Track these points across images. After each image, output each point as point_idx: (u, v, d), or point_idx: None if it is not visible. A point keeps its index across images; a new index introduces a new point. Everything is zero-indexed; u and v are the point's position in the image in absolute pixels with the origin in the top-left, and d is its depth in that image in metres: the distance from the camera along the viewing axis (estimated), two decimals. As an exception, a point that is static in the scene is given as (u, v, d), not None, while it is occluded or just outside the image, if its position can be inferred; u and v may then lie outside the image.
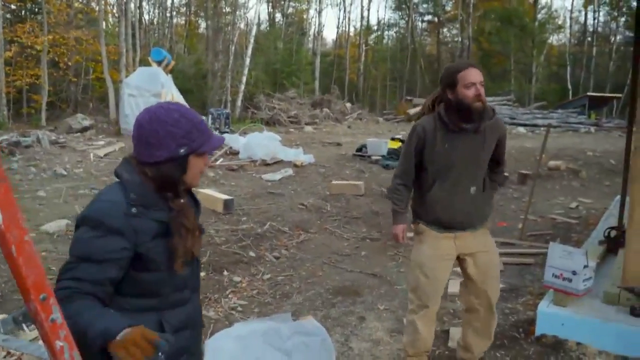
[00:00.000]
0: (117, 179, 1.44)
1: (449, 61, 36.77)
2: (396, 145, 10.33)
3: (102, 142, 11.62)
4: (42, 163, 8.87)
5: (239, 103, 20.62)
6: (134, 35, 20.50)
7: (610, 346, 2.86)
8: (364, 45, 35.89)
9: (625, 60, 27.82)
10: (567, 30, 35.58)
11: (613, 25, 33.76)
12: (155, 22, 30.68)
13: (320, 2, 33.97)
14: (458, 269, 2.81)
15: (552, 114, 20.15)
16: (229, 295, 4.02)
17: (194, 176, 1.45)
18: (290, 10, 34.73)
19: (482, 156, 2.52)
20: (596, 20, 34.83)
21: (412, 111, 20.76)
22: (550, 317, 3.05)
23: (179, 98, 13.53)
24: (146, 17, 29.74)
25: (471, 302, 2.72)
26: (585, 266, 2.95)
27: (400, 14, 38.72)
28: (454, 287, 3.85)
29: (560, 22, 34.73)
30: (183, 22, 32.34)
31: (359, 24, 38.33)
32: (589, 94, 23.25)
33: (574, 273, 2.95)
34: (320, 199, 7.23)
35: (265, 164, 9.73)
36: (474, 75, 2.37)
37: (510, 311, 3.61)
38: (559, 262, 3.01)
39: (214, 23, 22.93)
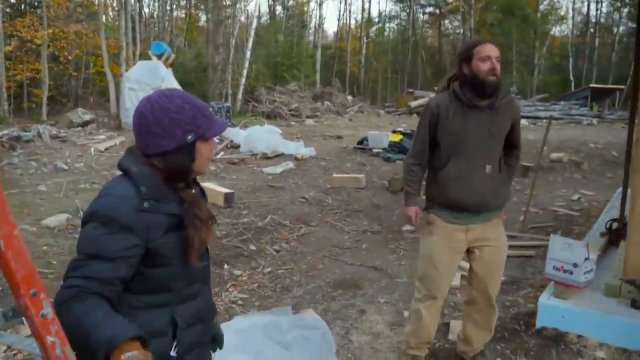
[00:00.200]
0: (120, 172, 1.38)
1: (451, 53, 36.64)
2: (397, 138, 10.29)
3: (102, 136, 11.61)
4: (42, 157, 8.86)
5: (239, 96, 20.57)
6: (134, 29, 20.44)
7: (611, 339, 2.85)
8: (365, 38, 35.76)
9: (628, 51, 27.68)
10: (570, 22, 35.42)
11: (616, 16, 33.56)
12: (155, 16, 30.58)
13: (321, -6, 33.84)
14: (460, 263, 2.79)
15: (554, 106, 20.06)
16: (230, 289, 4.02)
17: (202, 163, 1.40)
18: (291, 2, 34.56)
19: (497, 133, 2.46)
20: (599, 11, 34.68)
21: (413, 104, 20.69)
22: (551, 310, 3.04)
23: (179, 92, 13.46)
24: (146, 10, 29.67)
25: (472, 294, 2.71)
26: (586, 258, 2.93)
27: (401, 5, 38.56)
28: (455, 279, 3.84)
29: (562, 13, 34.57)
30: (183, 15, 32.24)
31: (360, 16, 38.19)
32: (591, 85, 23.11)
33: (575, 265, 2.93)
34: (321, 192, 7.22)
35: (266, 157, 9.71)
36: (490, 49, 2.36)
37: (511, 304, 3.60)
38: (559, 254, 2.99)
39: (214, 16, 22.81)
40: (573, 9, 35.04)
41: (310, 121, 16.98)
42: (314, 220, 6.00)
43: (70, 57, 19.20)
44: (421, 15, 39.34)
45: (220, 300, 3.78)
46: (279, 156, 9.75)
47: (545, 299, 3.10)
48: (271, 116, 17.29)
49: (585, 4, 35.09)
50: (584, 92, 22.01)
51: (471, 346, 2.79)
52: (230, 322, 3.18)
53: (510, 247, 4.83)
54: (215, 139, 1.48)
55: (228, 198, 6.39)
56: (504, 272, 3.88)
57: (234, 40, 22.16)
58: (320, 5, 35.75)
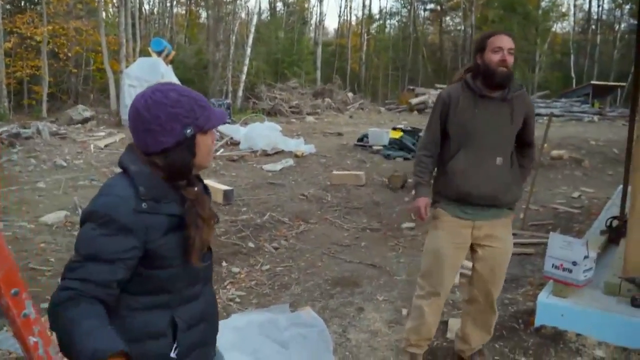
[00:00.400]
0: (120, 170, 1.34)
1: (452, 50, 36.58)
2: (398, 135, 10.26)
3: (102, 133, 11.59)
4: (42, 154, 8.85)
5: (240, 93, 20.52)
6: (133, 26, 20.36)
7: (611, 337, 2.83)
8: (365, 35, 35.68)
9: (630, 48, 27.55)
10: (571, 18, 35.28)
11: (617, 12, 33.43)
12: (155, 12, 30.52)
13: (321, -9, 33.71)
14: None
15: (556, 103, 20.00)
16: (227, 287, 4.00)
17: (204, 156, 1.36)
18: (292, -1, 34.47)
19: (508, 126, 2.43)
20: (600, 8, 34.57)
21: (414, 101, 20.65)
22: (550, 308, 3.02)
23: (179, 89, 13.45)
24: (146, 7, 29.60)
25: (474, 293, 2.68)
26: (586, 257, 2.91)
27: (402, 2, 38.43)
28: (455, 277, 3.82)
29: (564, 10, 34.40)
30: (183, 12, 32.17)
31: (360, 13, 38.09)
32: (592, 82, 23.02)
33: (574, 264, 2.91)
34: (321, 189, 7.20)
35: (266, 154, 9.69)
36: (503, 40, 2.35)
37: (510, 302, 3.58)
38: (559, 252, 2.97)
39: (214, 13, 22.75)
40: (574, 6, 34.96)
41: (310, 118, 16.95)
42: (313, 217, 5.98)
43: (70, 54, 19.14)
44: (422, 12, 39.25)
45: (218, 298, 3.75)
46: (279, 153, 9.73)
47: (545, 297, 3.08)
48: (271, 113, 17.26)
49: (587, 0, 35.02)
50: (586, 89, 21.94)
51: (469, 345, 2.77)
52: (228, 320, 3.17)
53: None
54: (216, 134, 1.43)
55: (227, 195, 6.38)
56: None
57: (234, 37, 22.09)
58: (321, 1, 35.67)
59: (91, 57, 21.10)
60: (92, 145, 9.84)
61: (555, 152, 9.43)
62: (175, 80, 13.82)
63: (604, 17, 34.77)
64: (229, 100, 16.72)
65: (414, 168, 2.65)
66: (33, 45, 18.01)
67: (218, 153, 9.54)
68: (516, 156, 2.54)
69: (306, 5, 34.69)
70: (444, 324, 3.26)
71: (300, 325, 3.04)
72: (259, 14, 27.03)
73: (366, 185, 7.48)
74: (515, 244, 4.82)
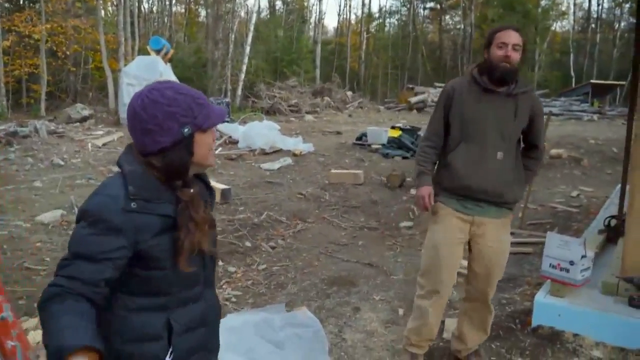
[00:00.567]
0: (119, 169, 1.33)
1: (451, 49, 36.53)
2: (396, 133, 10.22)
3: (100, 132, 11.55)
4: (39, 153, 8.81)
5: (239, 92, 20.47)
6: (132, 24, 20.30)
7: (608, 338, 2.81)
8: (365, 33, 35.61)
9: (629, 47, 27.51)
10: (571, 17, 35.25)
11: (617, 11, 33.40)
12: (154, 10, 30.47)
13: (321, -11, 33.66)
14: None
15: (555, 102, 19.97)
16: (223, 286, 3.98)
17: (203, 155, 1.34)
18: (291, -3, 34.41)
19: (512, 122, 2.42)
20: (600, 7, 34.59)
21: (413, 99, 20.60)
22: (547, 308, 3.00)
23: (178, 87, 13.43)
24: (145, 5, 29.54)
25: (470, 292, 2.67)
26: (583, 256, 2.89)
27: (402, 1, 38.39)
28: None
29: (563, 9, 34.37)
30: (183, 10, 32.09)
31: (360, 12, 38.05)
32: (592, 81, 22.98)
33: (572, 263, 2.89)
34: (319, 188, 7.17)
35: (264, 153, 9.66)
36: (509, 36, 2.35)
37: (507, 301, 3.56)
38: (556, 251, 2.95)
39: (213, 11, 22.68)
40: (574, 5, 34.93)
41: (309, 117, 16.91)
42: (311, 216, 5.95)
43: (68, 53, 19.09)
44: (422, 11, 39.20)
45: (214, 298, 3.74)
46: (277, 152, 9.70)
47: (542, 297, 3.05)
48: (270, 112, 17.22)
49: (587, -1, 34.96)
50: (585, 88, 21.91)
51: (465, 344, 2.75)
52: (223, 319, 3.12)
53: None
54: (216, 132, 1.41)
55: (225, 194, 6.35)
56: (501, 270, 3.85)
57: (233, 36, 22.05)
58: (320, 0, 35.58)
59: (90, 55, 21.06)
60: (89, 144, 9.80)
61: (554, 151, 9.41)
62: (174, 78, 13.78)
63: (603, 15, 34.79)
64: (228, 99, 16.67)
65: (416, 158, 2.64)
66: (31, 43, 17.97)
67: (216, 152, 9.51)
68: (522, 158, 2.52)
69: (305, 4, 34.62)
70: (440, 324, 3.24)
71: (296, 325, 3.02)
72: (258, 12, 27.01)
73: (364, 184, 7.46)
74: (513, 243, 4.81)
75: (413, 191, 6.48)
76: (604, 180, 7.92)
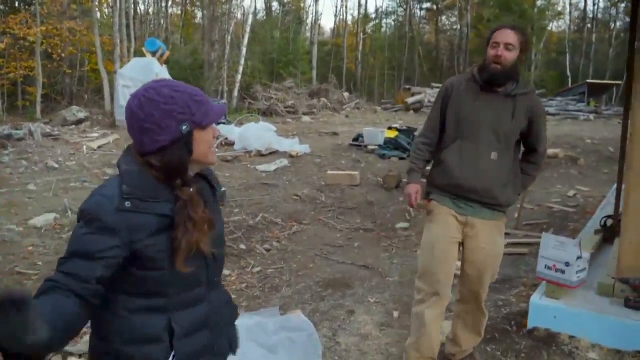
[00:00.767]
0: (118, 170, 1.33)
1: (447, 49, 36.54)
2: (393, 134, 10.20)
3: (96, 134, 11.50)
4: (33, 156, 8.76)
5: (235, 93, 20.43)
6: (128, 26, 20.23)
7: (604, 339, 2.78)
8: (361, 34, 35.58)
9: (625, 46, 27.50)
10: (567, 17, 35.27)
11: (613, 11, 33.49)
12: (150, 12, 30.39)
13: (317, -10, 33.63)
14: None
15: (551, 101, 19.97)
16: (217, 289, 3.94)
17: (203, 152, 1.32)
18: (287, -2, 34.37)
19: (509, 122, 2.38)
20: (596, 7, 34.58)
21: (410, 100, 20.58)
22: (543, 310, 2.97)
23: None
24: (141, 7, 29.45)
25: (463, 293, 2.64)
26: (579, 257, 2.86)
27: (398, 1, 38.36)
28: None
29: (559, 9, 34.41)
30: (179, 11, 32.03)
31: (356, 12, 38.03)
32: (588, 81, 23.03)
33: (567, 264, 2.86)
34: (315, 190, 7.14)
35: (260, 154, 9.63)
36: (502, 35, 2.33)
37: (502, 303, 3.53)
38: (551, 252, 2.92)
39: (209, 12, 22.66)
40: (570, 4, 34.94)
41: (306, 118, 16.88)
42: (307, 218, 5.92)
43: (64, 55, 19.00)
44: (418, 11, 39.19)
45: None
46: (273, 153, 9.67)
47: (537, 299, 3.02)
48: (267, 113, 17.18)
49: (582, -1, 35.00)
50: (581, 88, 21.94)
51: (459, 347, 2.72)
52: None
53: (504, 244, 4.79)
54: (216, 129, 1.38)
55: (220, 196, 6.31)
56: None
57: (229, 37, 22.01)
58: (317, 1, 35.58)
59: (85, 57, 20.95)
60: (84, 147, 9.75)
61: (550, 151, 9.38)
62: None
63: (599, 15, 34.83)
64: (224, 100, 16.64)
65: (410, 154, 2.63)
66: (26, 45, 17.86)
67: (212, 153, 9.47)
68: (521, 162, 2.50)
69: (302, 5, 34.60)
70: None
71: (289, 329, 2.98)
72: (255, 13, 26.98)
73: (360, 185, 7.43)
74: (509, 244, 4.81)
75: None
76: (600, 180, 7.91)
